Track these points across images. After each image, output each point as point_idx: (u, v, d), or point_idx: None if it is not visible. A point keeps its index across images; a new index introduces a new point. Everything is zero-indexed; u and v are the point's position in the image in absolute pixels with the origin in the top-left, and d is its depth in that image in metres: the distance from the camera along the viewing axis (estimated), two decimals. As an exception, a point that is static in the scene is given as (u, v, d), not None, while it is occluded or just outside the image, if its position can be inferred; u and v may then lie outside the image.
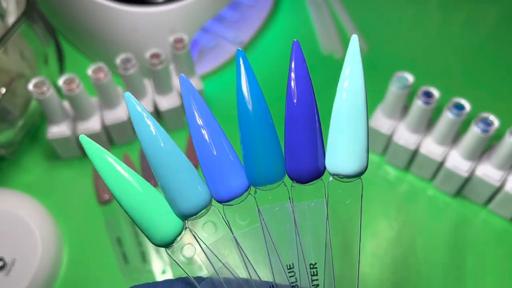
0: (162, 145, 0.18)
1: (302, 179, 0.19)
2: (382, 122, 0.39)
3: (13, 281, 0.33)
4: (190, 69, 0.41)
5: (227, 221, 0.20)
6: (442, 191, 0.39)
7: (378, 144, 0.41)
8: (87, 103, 0.38)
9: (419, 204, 0.39)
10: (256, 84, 0.18)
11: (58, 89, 0.37)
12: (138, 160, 0.41)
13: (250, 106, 0.18)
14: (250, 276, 0.20)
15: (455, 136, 0.38)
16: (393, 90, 0.37)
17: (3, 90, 0.37)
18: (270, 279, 0.20)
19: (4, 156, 0.41)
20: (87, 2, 0.42)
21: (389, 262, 0.36)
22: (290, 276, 0.20)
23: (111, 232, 0.37)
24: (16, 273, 0.33)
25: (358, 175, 0.19)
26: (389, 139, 0.40)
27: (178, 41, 0.39)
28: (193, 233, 0.20)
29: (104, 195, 0.38)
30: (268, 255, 0.20)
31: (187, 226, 0.20)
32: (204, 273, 0.35)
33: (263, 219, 0.19)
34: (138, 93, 0.40)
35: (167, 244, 0.19)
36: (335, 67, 0.47)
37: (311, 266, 0.20)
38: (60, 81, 0.37)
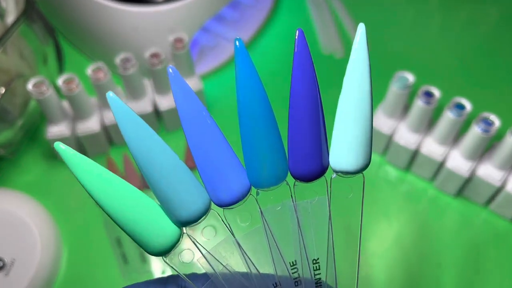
0: (154, 148, 0.16)
1: (306, 177, 0.18)
2: (382, 122, 0.39)
3: (12, 281, 0.33)
4: (190, 69, 0.41)
5: (228, 224, 0.19)
6: (443, 191, 0.39)
7: (379, 144, 0.40)
8: (86, 103, 0.38)
9: (420, 204, 0.39)
10: (257, 80, 0.17)
11: (57, 89, 0.37)
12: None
13: (251, 104, 0.16)
14: (253, 277, 0.19)
15: (456, 136, 0.38)
16: (394, 90, 0.37)
17: (3, 90, 0.37)
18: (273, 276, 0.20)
19: (4, 156, 0.40)
20: (86, 2, 0.42)
21: (390, 262, 0.36)
22: (293, 273, 0.19)
23: (110, 232, 0.37)
24: (15, 273, 0.33)
25: (362, 170, 0.18)
26: (389, 139, 0.39)
27: (178, 40, 0.39)
28: (192, 239, 0.18)
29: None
30: (271, 254, 0.19)
31: (185, 231, 0.18)
32: (203, 273, 0.35)
33: (265, 220, 0.19)
34: (138, 93, 0.40)
35: (164, 253, 0.18)
36: (335, 66, 0.47)
37: (314, 261, 0.19)
38: (60, 81, 0.37)
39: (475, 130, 0.35)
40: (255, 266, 0.19)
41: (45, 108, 0.37)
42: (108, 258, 0.36)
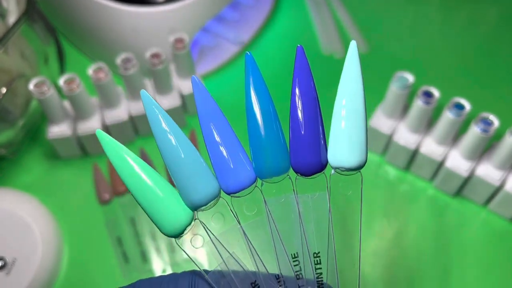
0: (175, 141, 0.19)
1: (306, 172, 0.20)
2: (382, 122, 0.39)
3: (13, 280, 0.33)
4: (190, 69, 0.41)
5: (235, 212, 0.21)
6: (442, 191, 0.39)
7: (378, 144, 0.41)
8: (87, 103, 0.38)
9: (419, 204, 0.39)
10: (263, 86, 0.20)
11: (58, 89, 0.38)
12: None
13: (257, 108, 0.19)
14: (257, 265, 0.21)
15: (455, 136, 0.38)
16: (393, 90, 0.37)
17: (4, 90, 0.37)
18: (276, 267, 0.21)
19: (5, 156, 0.41)
20: (87, 2, 0.42)
21: (389, 262, 0.36)
22: (294, 265, 0.21)
23: (111, 231, 0.37)
24: (16, 272, 0.33)
25: (358, 168, 0.20)
26: (389, 139, 0.40)
27: (179, 41, 0.39)
28: (203, 224, 0.20)
29: (104, 195, 0.38)
30: (274, 244, 0.21)
31: (196, 217, 0.20)
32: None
33: (269, 210, 0.21)
34: (138, 93, 0.40)
35: (177, 235, 0.20)
36: (335, 66, 0.47)
37: (315, 255, 0.21)
38: (61, 81, 0.37)
39: (475, 130, 0.35)
40: (257, 254, 0.21)
41: (46, 108, 0.37)
42: (108, 257, 0.36)
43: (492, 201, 0.38)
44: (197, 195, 0.19)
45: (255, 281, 0.20)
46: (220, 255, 0.21)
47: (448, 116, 0.36)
